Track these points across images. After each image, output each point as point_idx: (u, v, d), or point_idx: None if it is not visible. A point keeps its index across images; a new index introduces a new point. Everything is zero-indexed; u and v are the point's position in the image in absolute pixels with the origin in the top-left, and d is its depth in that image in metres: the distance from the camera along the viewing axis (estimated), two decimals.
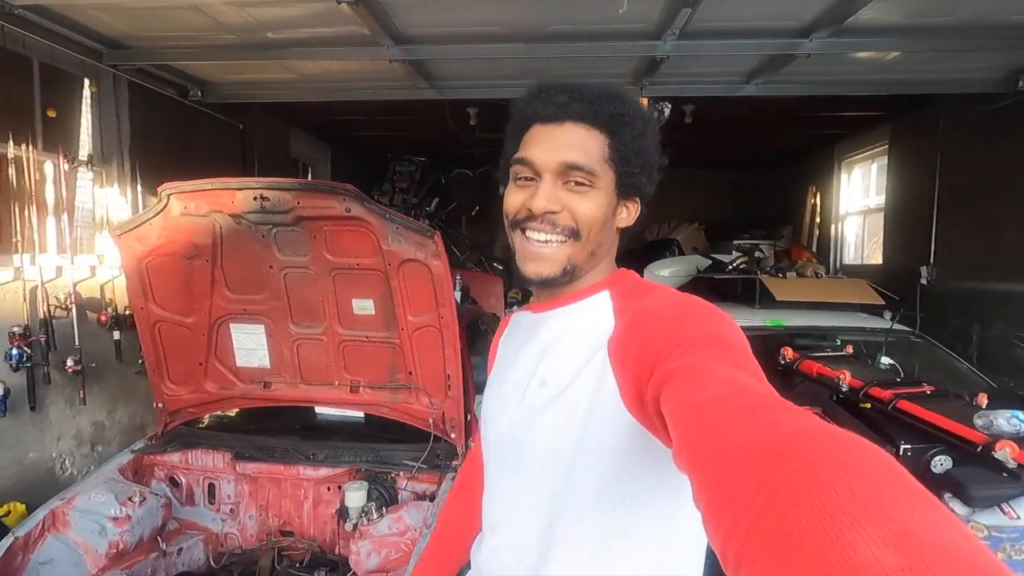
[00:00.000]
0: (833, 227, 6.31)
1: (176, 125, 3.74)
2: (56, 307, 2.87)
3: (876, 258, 5.67)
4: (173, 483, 2.59)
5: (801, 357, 2.55)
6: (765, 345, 2.76)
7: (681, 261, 5.41)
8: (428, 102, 3.96)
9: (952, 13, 2.60)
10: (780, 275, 3.83)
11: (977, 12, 2.57)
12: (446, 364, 2.42)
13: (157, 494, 2.37)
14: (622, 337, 0.68)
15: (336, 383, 2.59)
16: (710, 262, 4.87)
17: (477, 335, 4.20)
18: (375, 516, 2.15)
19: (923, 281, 4.51)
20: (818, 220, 6.43)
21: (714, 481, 0.42)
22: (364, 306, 2.46)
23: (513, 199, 0.77)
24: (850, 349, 2.78)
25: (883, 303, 3.69)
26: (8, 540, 1.94)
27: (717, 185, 8.22)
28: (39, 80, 2.96)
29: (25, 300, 2.77)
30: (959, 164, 4.31)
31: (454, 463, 2.46)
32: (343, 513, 2.31)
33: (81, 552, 2.08)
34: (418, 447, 2.48)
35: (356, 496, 2.26)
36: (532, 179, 0.75)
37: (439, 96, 3.70)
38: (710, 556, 0.66)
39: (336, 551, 2.42)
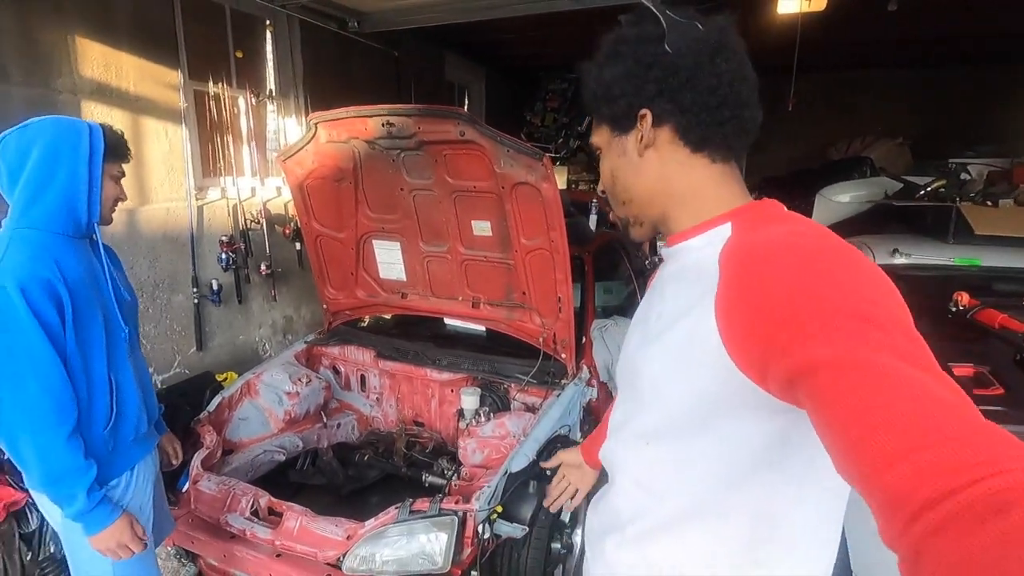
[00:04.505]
0: None
1: (339, 58, 4.12)
2: (251, 221, 3.50)
3: None
4: (335, 371, 3.11)
5: (981, 305, 2.07)
6: (938, 287, 2.29)
7: (863, 184, 4.58)
8: (579, 12, 3.75)
9: None
10: (989, 203, 3.06)
11: None
12: (557, 287, 2.46)
13: (320, 378, 2.88)
14: (730, 287, 0.63)
15: (460, 298, 2.81)
16: (901, 185, 4.05)
17: (617, 259, 4.13)
18: (483, 420, 2.37)
19: None
20: None
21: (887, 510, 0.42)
22: (482, 227, 2.57)
23: None
24: None
25: None
26: (218, 399, 2.55)
27: (928, 89, 6.44)
28: (231, 25, 3.46)
29: (229, 215, 3.43)
30: None
31: (563, 381, 2.57)
32: (461, 413, 2.58)
33: (266, 415, 2.65)
34: (532, 363, 2.62)
35: (470, 400, 2.50)
36: None
37: (576, 6, 3.49)
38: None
39: (455, 445, 2.74)
